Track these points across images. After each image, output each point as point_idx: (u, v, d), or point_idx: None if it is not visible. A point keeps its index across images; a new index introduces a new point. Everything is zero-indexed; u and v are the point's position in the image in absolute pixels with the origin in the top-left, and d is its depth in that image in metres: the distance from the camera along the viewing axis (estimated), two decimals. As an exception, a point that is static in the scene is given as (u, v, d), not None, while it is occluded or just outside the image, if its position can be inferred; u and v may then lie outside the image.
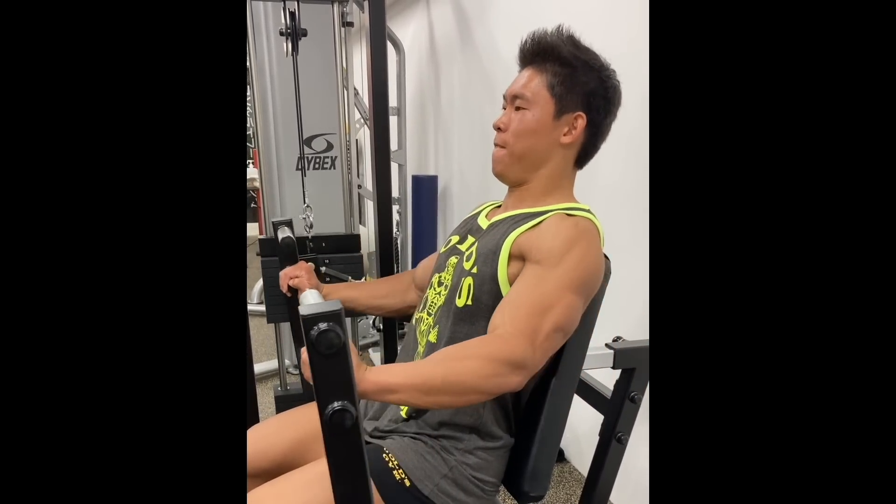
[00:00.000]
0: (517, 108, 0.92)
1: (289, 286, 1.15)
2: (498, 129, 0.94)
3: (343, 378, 0.56)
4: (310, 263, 1.21)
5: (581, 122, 0.90)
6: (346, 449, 0.58)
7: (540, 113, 0.90)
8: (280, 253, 1.21)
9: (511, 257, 0.87)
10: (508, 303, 0.81)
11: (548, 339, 0.78)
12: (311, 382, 0.64)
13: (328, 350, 0.54)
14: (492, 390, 0.74)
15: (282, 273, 1.17)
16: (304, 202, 1.44)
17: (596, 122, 0.91)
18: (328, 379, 0.55)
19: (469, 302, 0.89)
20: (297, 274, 1.15)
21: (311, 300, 0.59)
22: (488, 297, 0.88)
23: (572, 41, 0.91)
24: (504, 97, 0.96)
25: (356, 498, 0.61)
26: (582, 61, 0.89)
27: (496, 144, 0.95)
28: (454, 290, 0.92)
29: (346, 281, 1.23)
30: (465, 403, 0.75)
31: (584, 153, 0.94)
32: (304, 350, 0.69)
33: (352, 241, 1.51)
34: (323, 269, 1.20)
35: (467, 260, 0.92)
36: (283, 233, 1.20)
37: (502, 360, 0.73)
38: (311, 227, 1.42)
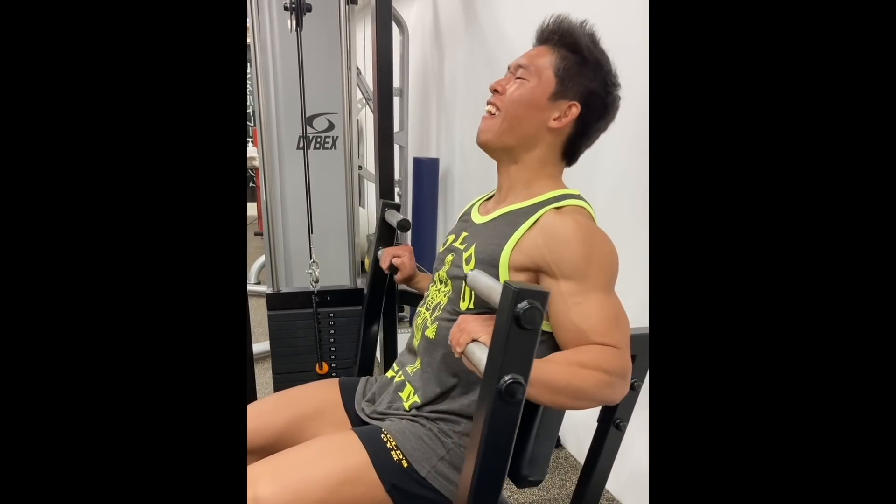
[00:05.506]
0: (518, 77, 0.91)
1: (391, 264, 1.21)
2: (495, 91, 0.92)
3: (527, 355, 0.60)
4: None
5: (574, 112, 0.89)
6: (506, 419, 0.62)
7: (539, 88, 0.89)
8: (386, 232, 1.30)
9: (512, 269, 0.85)
10: (579, 326, 0.80)
11: (629, 348, 0.80)
12: (461, 353, 0.70)
13: (529, 325, 0.58)
14: (604, 400, 0.78)
15: (386, 250, 1.24)
16: (311, 257, 1.53)
17: (587, 120, 0.90)
18: (517, 351, 0.60)
19: (472, 305, 0.89)
20: (400, 253, 1.20)
21: (486, 279, 0.68)
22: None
23: (592, 37, 0.90)
24: (508, 67, 0.94)
25: (498, 467, 0.66)
26: (594, 58, 0.89)
27: (489, 104, 0.93)
28: (457, 293, 0.92)
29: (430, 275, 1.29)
30: (576, 408, 0.78)
31: (570, 146, 0.92)
32: (464, 319, 0.73)
33: (355, 295, 1.61)
34: None
35: (467, 263, 0.91)
36: (395, 216, 1.28)
37: (617, 372, 0.76)
38: (317, 281, 1.52)
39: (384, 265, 1.22)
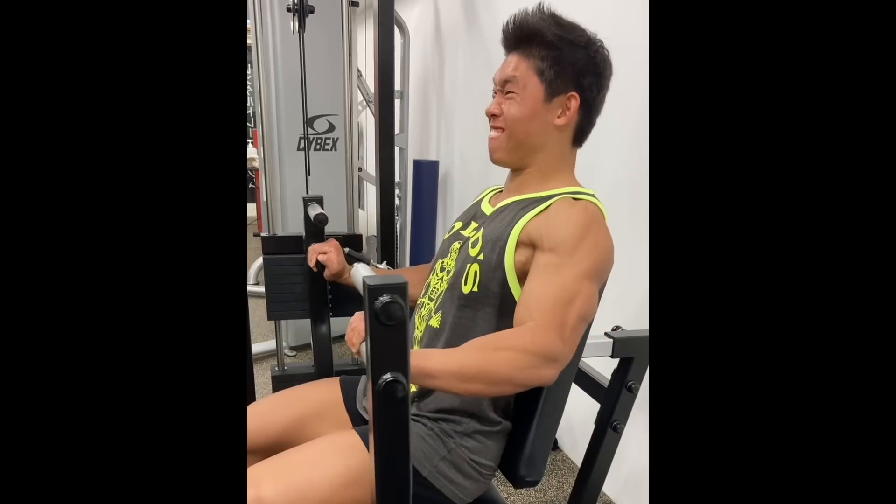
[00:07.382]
0: (507, 94, 0.91)
1: (317, 261, 1.16)
2: (493, 115, 0.93)
3: (399, 350, 0.58)
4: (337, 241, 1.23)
5: (574, 103, 0.89)
6: (393, 419, 0.60)
7: (531, 98, 0.89)
8: (310, 228, 1.24)
9: (519, 245, 0.86)
10: (532, 296, 0.80)
11: (574, 331, 0.78)
12: (357, 353, 0.66)
13: (389, 321, 0.55)
14: (525, 382, 0.75)
15: (311, 248, 1.18)
16: (307, 192, 1.44)
17: (589, 99, 0.90)
18: (385, 350, 0.57)
19: (475, 288, 0.89)
20: (326, 250, 1.16)
21: (365, 272, 0.63)
22: (495, 284, 0.88)
23: (554, 20, 0.89)
24: (493, 81, 0.95)
25: (396, 468, 0.63)
26: (567, 41, 0.88)
27: (492, 128, 0.94)
28: (459, 276, 0.92)
29: (368, 263, 1.25)
30: (498, 393, 0.75)
31: (581, 132, 0.94)
32: (355, 318, 0.70)
33: (356, 241, 1.55)
34: (346, 250, 1.23)
35: (473, 246, 0.92)
36: (315, 209, 1.22)
37: (536, 352, 0.73)
38: None
39: (311, 262, 1.18)
